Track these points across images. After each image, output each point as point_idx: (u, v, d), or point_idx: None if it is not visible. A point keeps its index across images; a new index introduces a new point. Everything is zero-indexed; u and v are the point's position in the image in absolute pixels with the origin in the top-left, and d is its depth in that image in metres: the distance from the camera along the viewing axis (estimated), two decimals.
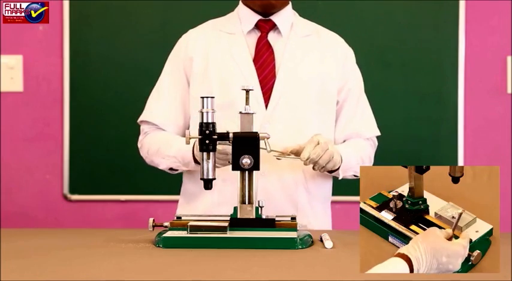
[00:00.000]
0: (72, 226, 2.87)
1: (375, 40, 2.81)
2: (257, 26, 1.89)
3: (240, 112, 1.57)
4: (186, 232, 1.48)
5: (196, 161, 1.77)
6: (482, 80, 2.86)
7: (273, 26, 1.89)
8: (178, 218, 1.56)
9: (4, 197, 2.89)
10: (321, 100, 1.87)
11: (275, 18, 1.89)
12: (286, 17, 1.90)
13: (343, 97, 1.91)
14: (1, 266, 1.25)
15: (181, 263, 1.31)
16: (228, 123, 1.64)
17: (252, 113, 1.56)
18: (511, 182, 2.74)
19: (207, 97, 1.53)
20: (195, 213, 1.79)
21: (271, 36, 1.88)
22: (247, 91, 1.57)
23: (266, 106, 1.82)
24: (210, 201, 1.84)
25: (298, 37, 1.90)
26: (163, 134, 1.90)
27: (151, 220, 1.54)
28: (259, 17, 1.88)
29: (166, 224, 1.54)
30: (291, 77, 1.84)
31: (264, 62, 1.85)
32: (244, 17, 1.90)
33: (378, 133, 1.98)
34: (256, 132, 1.55)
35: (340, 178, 1.84)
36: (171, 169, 1.88)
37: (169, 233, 1.49)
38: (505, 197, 2.77)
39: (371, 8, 2.83)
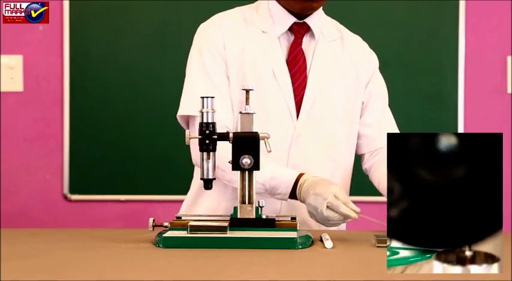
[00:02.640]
0: (72, 226, 2.87)
1: (375, 40, 2.80)
2: (290, 28, 1.81)
3: (240, 112, 1.57)
4: (186, 232, 1.48)
5: (293, 197, 1.68)
6: (482, 80, 2.86)
7: (307, 30, 1.82)
8: (178, 218, 1.56)
9: (4, 197, 2.89)
10: (347, 109, 1.84)
11: (310, 21, 1.81)
12: (318, 20, 1.84)
13: (366, 98, 1.89)
14: (1, 267, 1.25)
15: (181, 263, 1.31)
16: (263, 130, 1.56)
17: (252, 113, 1.56)
18: (511, 182, 2.74)
19: (207, 97, 1.53)
20: (204, 208, 1.81)
21: (304, 41, 1.83)
22: (247, 91, 1.57)
23: (297, 117, 1.78)
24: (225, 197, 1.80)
25: (326, 42, 1.85)
26: None
27: (151, 220, 1.54)
28: (294, 20, 1.80)
29: (166, 224, 1.54)
30: (321, 88, 1.81)
31: (298, 70, 1.80)
32: (278, 18, 1.81)
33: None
34: (256, 132, 1.54)
35: None
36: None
37: (169, 233, 1.49)
38: (505, 197, 2.76)
39: (371, 8, 2.83)
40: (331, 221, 1.59)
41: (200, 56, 1.80)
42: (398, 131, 1.94)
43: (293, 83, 1.79)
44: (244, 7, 1.88)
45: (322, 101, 1.80)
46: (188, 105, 1.78)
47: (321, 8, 1.86)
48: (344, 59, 1.86)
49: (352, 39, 1.93)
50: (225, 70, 1.78)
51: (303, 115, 1.79)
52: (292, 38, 1.82)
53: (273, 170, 1.70)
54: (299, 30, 1.82)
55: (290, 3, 1.79)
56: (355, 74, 1.87)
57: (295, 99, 1.78)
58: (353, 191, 2.71)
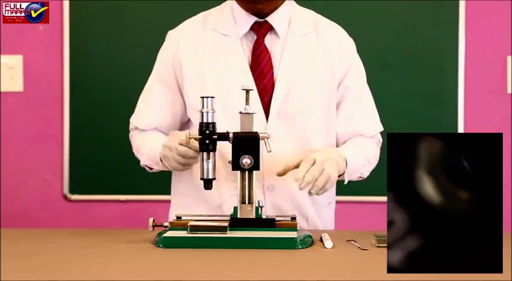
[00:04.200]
0: (72, 226, 2.87)
1: (375, 40, 2.81)
2: (252, 28, 1.78)
3: (240, 112, 1.57)
4: (186, 232, 1.48)
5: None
6: (482, 80, 2.86)
7: (270, 28, 1.78)
8: (178, 218, 1.56)
9: (4, 197, 2.89)
10: (324, 105, 1.80)
11: (271, 19, 1.78)
12: (283, 16, 1.79)
13: (341, 94, 1.83)
14: (1, 266, 1.25)
15: (181, 263, 1.31)
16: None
17: (252, 113, 1.56)
18: (510, 182, 2.74)
19: (207, 97, 1.53)
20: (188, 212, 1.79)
21: (268, 39, 1.78)
22: (247, 91, 1.57)
23: (266, 119, 1.74)
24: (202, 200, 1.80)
25: (296, 37, 1.79)
26: (147, 132, 1.86)
27: (151, 220, 1.54)
28: (254, 19, 1.77)
29: (166, 224, 1.54)
30: (290, 86, 1.76)
31: (262, 71, 1.76)
32: (240, 19, 1.78)
33: (381, 129, 1.90)
34: (256, 132, 1.55)
35: (345, 182, 1.78)
36: (148, 167, 1.85)
37: (169, 233, 1.49)
38: (505, 197, 2.76)
39: (371, 8, 2.83)
40: (186, 157, 1.63)
41: (155, 66, 1.89)
42: (375, 119, 1.89)
43: (258, 85, 1.74)
44: (211, 10, 1.88)
45: (293, 99, 1.76)
46: (135, 115, 1.90)
47: (288, 2, 1.81)
48: (317, 53, 1.80)
49: (328, 31, 1.84)
50: (174, 80, 1.83)
51: (273, 116, 1.75)
52: (255, 37, 1.79)
53: (153, 140, 1.80)
54: (260, 30, 1.78)
55: (240, 4, 1.79)
56: (330, 69, 1.80)
57: (262, 100, 1.74)
58: (353, 191, 2.72)
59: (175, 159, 1.65)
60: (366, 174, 1.84)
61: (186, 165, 1.68)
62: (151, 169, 1.85)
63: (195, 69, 1.79)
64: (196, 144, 1.58)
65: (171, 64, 1.82)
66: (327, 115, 1.81)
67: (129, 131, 1.94)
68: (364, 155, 1.81)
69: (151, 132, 1.86)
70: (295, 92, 1.77)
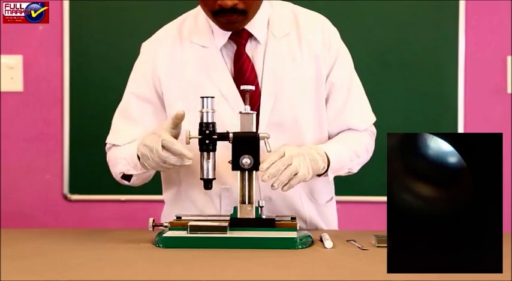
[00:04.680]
0: (72, 226, 2.87)
1: (375, 40, 2.81)
2: (231, 37, 1.71)
3: (240, 112, 1.57)
4: (186, 232, 1.48)
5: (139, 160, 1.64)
6: (482, 80, 2.86)
7: (249, 35, 1.72)
8: (178, 218, 1.56)
9: (4, 197, 2.89)
10: (314, 106, 1.75)
11: (250, 27, 1.71)
12: (260, 21, 1.72)
13: (328, 88, 1.77)
14: (1, 267, 1.25)
15: (181, 263, 1.31)
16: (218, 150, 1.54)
17: (252, 113, 1.56)
18: (511, 182, 2.74)
19: (207, 97, 1.53)
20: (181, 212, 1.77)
21: (249, 47, 1.72)
22: (246, 91, 1.56)
23: (257, 128, 1.66)
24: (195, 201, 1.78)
25: (277, 39, 1.73)
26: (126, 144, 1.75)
27: (151, 220, 1.54)
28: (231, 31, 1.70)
29: (166, 224, 1.54)
30: (276, 94, 1.71)
31: (247, 81, 1.69)
32: (216, 29, 1.70)
33: (373, 120, 1.84)
34: (256, 132, 1.55)
35: (330, 179, 1.72)
36: (124, 177, 1.73)
37: (169, 233, 1.49)
38: (505, 197, 2.76)
39: (371, 8, 2.83)
40: (167, 163, 1.54)
41: (132, 80, 1.81)
42: (366, 112, 1.84)
43: (244, 97, 1.61)
44: (183, 18, 1.81)
45: (281, 106, 1.71)
46: (112, 135, 1.81)
47: (263, 5, 1.73)
48: (301, 51, 1.74)
49: (309, 24, 1.77)
50: (154, 95, 1.75)
51: (262, 124, 1.70)
52: (234, 46, 1.72)
53: (130, 145, 1.69)
54: (239, 40, 1.72)
55: (216, 24, 1.69)
56: (315, 65, 1.75)
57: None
58: (353, 191, 2.72)
59: (156, 161, 1.55)
60: (355, 168, 1.78)
61: (165, 168, 1.60)
62: (129, 178, 1.72)
63: (176, 85, 1.73)
64: (178, 148, 1.50)
65: (151, 79, 1.76)
66: (318, 114, 1.77)
67: (105, 152, 1.83)
68: (351, 150, 1.74)
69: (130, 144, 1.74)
70: (283, 99, 1.72)
